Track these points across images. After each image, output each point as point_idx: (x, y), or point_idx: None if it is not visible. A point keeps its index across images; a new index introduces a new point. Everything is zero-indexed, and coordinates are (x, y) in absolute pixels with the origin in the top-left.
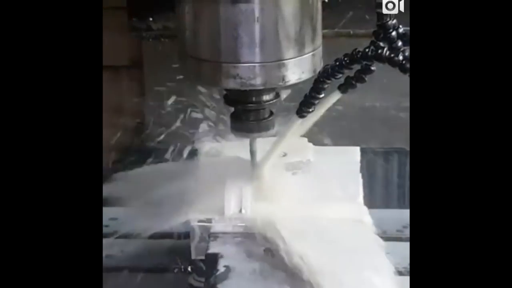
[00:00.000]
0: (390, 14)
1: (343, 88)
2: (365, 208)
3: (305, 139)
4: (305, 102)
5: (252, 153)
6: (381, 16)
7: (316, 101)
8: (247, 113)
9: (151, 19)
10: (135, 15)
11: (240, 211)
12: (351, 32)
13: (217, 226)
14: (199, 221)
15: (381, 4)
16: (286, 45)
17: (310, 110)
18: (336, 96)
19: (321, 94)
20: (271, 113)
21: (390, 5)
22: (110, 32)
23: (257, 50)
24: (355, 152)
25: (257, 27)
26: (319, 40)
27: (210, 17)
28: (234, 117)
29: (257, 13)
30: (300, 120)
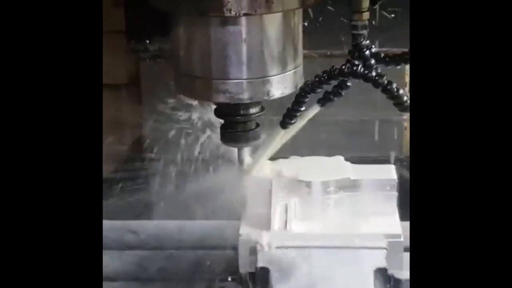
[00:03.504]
0: (364, 35)
1: (322, 101)
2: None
3: (342, 158)
4: (287, 114)
5: (241, 161)
6: (355, 37)
7: (298, 114)
8: (235, 124)
9: (147, 41)
10: (133, 38)
11: (286, 226)
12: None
13: (265, 240)
14: (246, 234)
15: (356, 27)
16: (270, 63)
17: (293, 121)
18: (315, 109)
19: (302, 107)
20: (257, 125)
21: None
22: (111, 53)
23: (245, 68)
24: (390, 170)
25: (244, 47)
26: (300, 59)
27: (202, 38)
28: (224, 128)
29: (244, 35)
30: (283, 131)
